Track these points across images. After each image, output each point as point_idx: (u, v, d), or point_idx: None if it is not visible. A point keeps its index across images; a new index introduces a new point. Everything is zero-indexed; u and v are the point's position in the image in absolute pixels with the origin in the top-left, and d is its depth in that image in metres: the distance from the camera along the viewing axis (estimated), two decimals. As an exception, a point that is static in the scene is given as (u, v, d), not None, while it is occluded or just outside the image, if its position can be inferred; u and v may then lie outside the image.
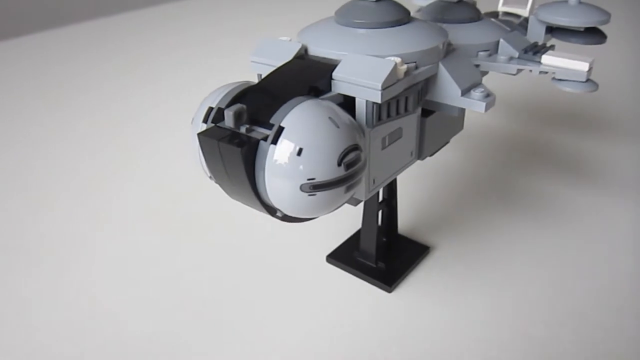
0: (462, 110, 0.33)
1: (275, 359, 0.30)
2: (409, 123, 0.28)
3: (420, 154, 0.30)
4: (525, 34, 0.37)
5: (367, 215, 0.34)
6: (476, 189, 0.45)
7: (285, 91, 0.24)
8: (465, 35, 0.32)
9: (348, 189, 0.23)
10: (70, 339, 0.31)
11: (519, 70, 0.32)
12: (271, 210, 0.24)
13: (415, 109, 0.26)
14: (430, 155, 0.33)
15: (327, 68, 0.25)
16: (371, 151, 0.26)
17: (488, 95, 0.27)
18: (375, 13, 0.27)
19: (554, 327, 0.31)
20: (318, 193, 0.22)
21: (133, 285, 0.35)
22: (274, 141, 0.22)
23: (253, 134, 0.22)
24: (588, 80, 0.30)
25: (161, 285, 0.35)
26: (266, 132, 0.22)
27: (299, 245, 0.38)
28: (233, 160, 0.22)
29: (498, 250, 0.37)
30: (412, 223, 0.40)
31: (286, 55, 0.27)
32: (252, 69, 0.28)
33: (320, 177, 0.22)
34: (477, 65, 0.31)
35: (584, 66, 0.29)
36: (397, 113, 0.25)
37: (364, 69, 0.24)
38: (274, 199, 0.23)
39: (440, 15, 0.33)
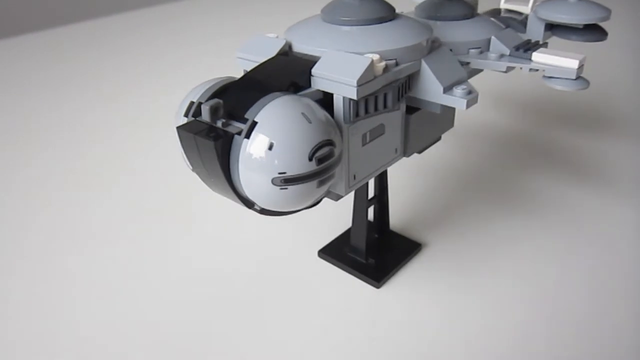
0: (452, 108, 0.33)
1: (261, 350, 0.30)
2: (392, 120, 0.28)
3: (406, 151, 0.30)
4: (525, 31, 0.36)
5: (357, 212, 0.35)
6: (472, 187, 0.44)
7: (263, 87, 0.24)
8: (456, 32, 0.32)
9: (321, 184, 0.23)
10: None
11: (510, 68, 0.31)
12: (248, 203, 0.25)
13: (395, 105, 0.26)
14: (419, 152, 0.33)
15: (307, 64, 0.25)
16: (350, 147, 0.26)
17: (470, 92, 0.27)
18: (358, 10, 0.27)
19: (544, 327, 0.31)
20: (290, 187, 0.23)
21: (124, 281, 0.36)
22: (247, 135, 0.22)
23: (229, 129, 0.23)
24: (579, 77, 0.30)
25: (151, 283, 0.36)
26: (241, 126, 0.23)
27: (292, 240, 0.39)
28: (208, 153, 0.23)
29: (491, 249, 0.37)
30: (406, 220, 0.40)
31: (270, 51, 0.27)
32: (239, 65, 0.29)
33: (291, 172, 0.22)
34: (468, 63, 0.31)
35: (573, 63, 0.29)
36: (376, 109, 0.26)
37: (342, 65, 0.24)
38: (248, 192, 0.23)
39: (433, 13, 0.33)
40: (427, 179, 0.46)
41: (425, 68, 0.27)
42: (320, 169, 0.23)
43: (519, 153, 0.50)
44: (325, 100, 0.25)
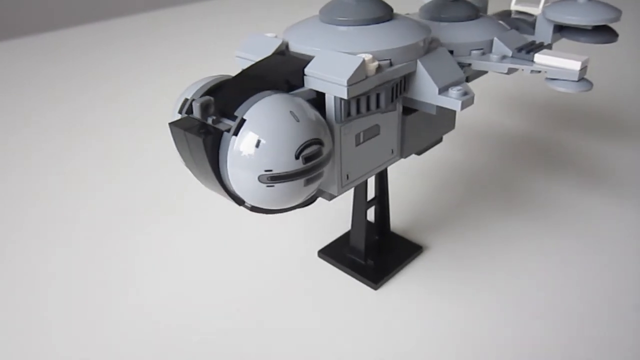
0: (453, 110, 0.33)
1: (257, 349, 0.30)
2: (388, 120, 0.28)
3: (403, 152, 0.30)
4: (533, 33, 0.36)
5: (356, 213, 0.35)
6: (476, 190, 0.44)
7: (255, 85, 0.24)
8: (459, 33, 0.32)
9: (308, 182, 0.23)
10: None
11: (512, 70, 0.31)
12: (238, 200, 0.25)
13: (388, 106, 0.26)
14: (418, 154, 0.33)
15: (300, 64, 0.25)
16: (343, 147, 0.26)
17: (466, 93, 0.26)
18: (355, 11, 0.27)
19: (546, 332, 0.30)
20: (276, 184, 0.23)
21: (123, 280, 0.37)
22: (236, 132, 0.22)
23: (220, 126, 0.23)
24: (582, 79, 0.29)
25: (148, 283, 0.36)
26: (232, 123, 0.23)
27: (294, 239, 0.39)
28: (197, 149, 0.23)
29: (493, 253, 0.36)
30: (407, 222, 0.40)
31: (267, 50, 0.27)
32: (237, 64, 0.29)
33: (277, 169, 0.22)
34: (469, 64, 0.31)
35: (575, 65, 0.29)
36: (368, 109, 0.26)
37: (334, 65, 0.24)
38: (236, 189, 0.24)
39: (436, 14, 0.33)
40: (431, 181, 0.45)
41: (421, 69, 0.27)
42: (307, 168, 0.23)
43: (522, 155, 0.49)
44: (319, 100, 0.26)
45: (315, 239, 0.39)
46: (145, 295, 0.35)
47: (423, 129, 0.31)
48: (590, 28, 0.34)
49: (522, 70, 0.30)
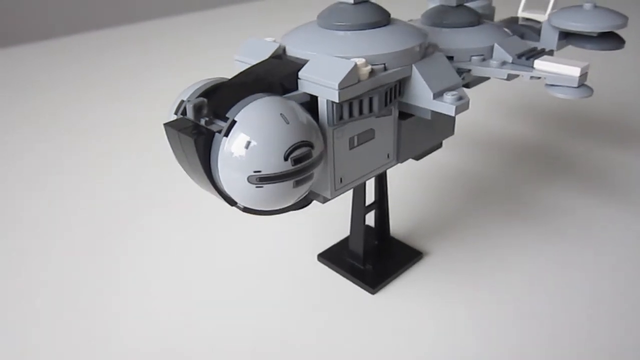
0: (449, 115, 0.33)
1: (250, 349, 0.31)
2: (384, 125, 0.28)
3: (399, 157, 0.30)
4: (539, 40, 0.36)
5: (354, 217, 0.35)
6: (478, 196, 0.44)
7: (249, 88, 0.25)
8: (459, 39, 0.32)
9: (297, 184, 0.24)
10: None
11: (512, 76, 0.31)
12: (230, 201, 0.25)
13: (381, 110, 0.26)
14: (417, 159, 0.33)
15: (295, 67, 0.26)
16: (335, 150, 0.26)
17: (460, 98, 0.26)
18: (351, 15, 0.27)
19: (545, 343, 0.30)
20: (265, 185, 0.23)
21: (126, 282, 0.38)
22: (226, 133, 0.23)
23: (212, 127, 0.24)
24: (582, 85, 0.29)
25: (149, 284, 0.37)
26: (224, 125, 0.23)
27: (295, 242, 0.39)
28: (190, 150, 0.23)
29: (494, 260, 0.36)
30: (408, 227, 0.40)
31: (265, 54, 0.28)
32: (236, 68, 0.29)
33: (266, 170, 0.23)
34: (469, 70, 0.31)
35: (575, 71, 0.28)
36: (361, 113, 0.26)
37: (326, 69, 0.25)
38: (227, 189, 0.24)
39: (438, 20, 0.33)
40: (432, 186, 0.45)
41: (416, 73, 0.27)
42: (296, 170, 0.23)
43: (524, 161, 0.49)
44: (313, 103, 0.26)
45: (316, 242, 0.39)
46: (144, 295, 0.35)
47: (420, 134, 0.31)
48: (596, 35, 0.33)
49: (522, 76, 0.30)
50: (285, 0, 1.21)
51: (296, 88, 0.26)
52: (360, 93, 0.25)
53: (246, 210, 0.26)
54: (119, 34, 1.04)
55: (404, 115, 0.29)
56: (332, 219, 0.41)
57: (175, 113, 0.26)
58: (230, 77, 0.26)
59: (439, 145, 0.33)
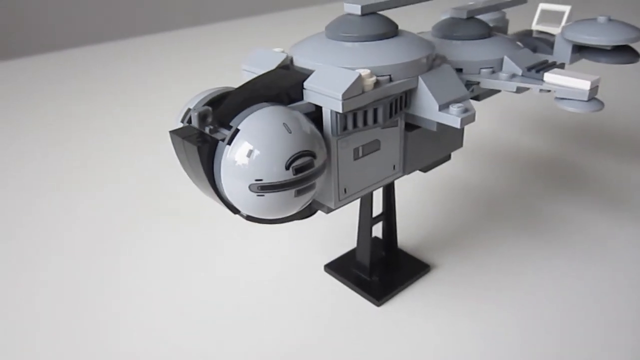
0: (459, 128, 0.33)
1: (254, 358, 0.31)
2: (389, 136, 0.28)
3: (405, 169, 0.30)
4: (552, 53, 0.35)
5: (361, 228, 0.34)
6: (488, 210, 0.43)
7: (254, 97, 0.25)
8: (469, 51, 0.32)
9: (299, 194, 0.24)
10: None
11: (521, 89, 0.30)
12: (233, 209, 0.26)
13: (385, 121, 0.26)
14: (424, 170, 0.32)
15: (300, 78, 0.26)
16: (340, 160, 0.26)
17: (466, 110, 0.26)
18: (358, 27, 0.27)
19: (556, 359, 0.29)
20: (266, 194, 0.23)
21: (128, 289, 0.38)
22: (229, 142, 0.23)
23: (216, 135, 0.24)
24: (592, 99, 0.28)
25: (153, 289, 0.37)
26: (228, 133, 0.24)
27: (302, 252, 0.39)
28: (193, 157, 0.24)
29: (502, 275, 0.36)
30: (416, 239, 0.39)
31: (272, 64, 0.28)
32: (243, 77, 0.30)
33: (267, 179, 0.23)
34: (478, 83, 0.31)
35: (585, 85, 0.28)
36: (365, 124, 0.26)
37: (331, 79, 0.25)
38: (230, 197, 0.24)
39: (448, 32, 0.33)
40: (442, 199, 0.45)
41: (422, 85, 0.27)
42: (297, 179, 0.23)
43: (537, 175, 0.48)
44: (318, 113, 0.26)
45: (324, 253, 0.39)
46: (149, 302, 0.35)
47: (427, 146, 0.30)
48: (610, 48, 0.33)
49: (532, 89, 0.30)
50: (294, 13, 1.22)
51: (302, 98, 0.26)
52: (364, 104, 0.25)
53: (249, 218, 0.26)
54: (133, 45, 1.06)
55: (410, 126, 0.29)
56: (340, 230, 0.41)
57: (182, 121, 0.26)
58: (236, 86, 0.27)
59: (448, 158, 0.33)
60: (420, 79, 0.27)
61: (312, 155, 0.24)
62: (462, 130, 0.32)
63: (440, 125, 0.28)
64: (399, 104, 0.27)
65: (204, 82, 0.76)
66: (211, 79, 0.79)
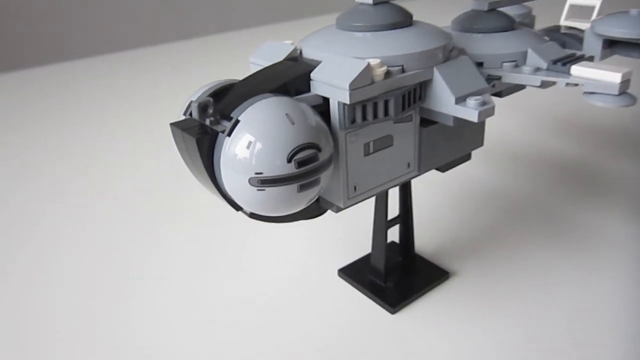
0: (481, 124, 0.31)
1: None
2: (403, 131, 0.27)
3: (420, 167, 0.28)
4: (581, 49, 0.33)
5: (376, 231, 0.33)
6: (514, 215, 0.41)
7: (257, 88, 0.24)
8: (490, 44, 0.30)
9: (302, 189, 0.22)
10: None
11: (546, 83, 0.29)
12: (236, 206, 0.24)
13: (397, 114, 0.25)
14: (442, 170, 0.31)
15: (307, 69, 0.25)
16: (349, 156, 0.25)
17: (485, 103, 0.24)
18: (370, 16, 0.26)
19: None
20: (267, 188, 0.22)
21: (142, 291, 0.37)
22: (229, 133, 0.22)
23: (217, 127, 0.23)
24: (623, 93, 0.26)
25: (165, 293, 0.36)
26: (228, 125, 0.23)
27: (317, 256, 0.38)
28: (192, 149, 0.23)
29: (526, 287, 0.33)
30: (436, 244, 0.37)
31: (280, 56, 0.27)
32: (250, 70, 0.29)
33: (267, 172, 0.21)
34: (499, 77, 0.29)
35: (615, 77, 0.26)
36: (376, 117, 0.24)
37: (338, 69, 0.23)
38: (230, 192, 0.23)
39: (468, 25, 0.31)
40: (464, 202, 0.43)
41: (438, 77, 0.25)
42: (299, 173, 0.22)
43: (567, 180, 0.46)
44: (326, 106, 0.25)
45: (340, 257, 0.37)
46: (160, 305, 0.35)
47: (444, 143, 0.29)
48: (643, 42, 0.31)
49: (558, 83, 0.28)
50: (295, 24, 1.22)
51: (309, 90, 0.25)
52: (374, 95, 0.23)
53: (253, 216, 0.25)
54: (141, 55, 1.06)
55: (426, 122, 0.28)
56: (356, 234, 0.39)
57: (184, 114, 0.25)
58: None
59: (468, 157, 0.31)
60: (435, 70, 0.25)
61: (317, 148, 0.22)
62: (482, 127, 0.31)
63: (457, 120, 0.26)
64: (413, 97, 0.25)
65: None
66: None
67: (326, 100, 0.24)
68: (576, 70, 0.27)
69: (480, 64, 0.29)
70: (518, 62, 0.29)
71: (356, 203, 0.27)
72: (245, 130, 0.22)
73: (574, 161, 0.49)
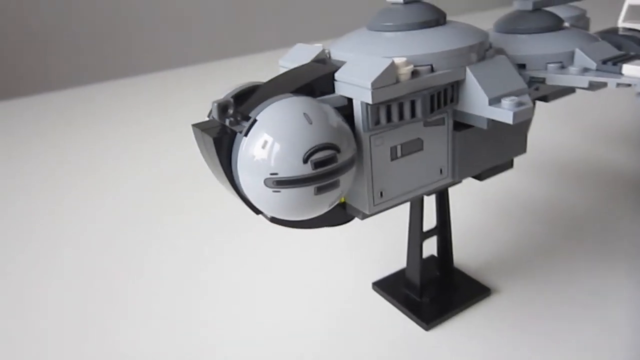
0: (522, 129, 0.29)
1: (279, 374, 0.28)
2: (434, 135, 0.25)
3: (455, 174, 0.27)
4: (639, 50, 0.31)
5: (411, 244, 0.31)
6: (562, 231, 0.38)
7: (280, 89, 0.23)
8: (534, 45, 0.28)
9: (319, 191, 0.21)
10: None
11: (594, 85, 0.26)
12: (255, 209, 0.24)
13: (425, 116, 0.23)
14: (480, 179, 0.29)
15: (332, 69, 0.24)
16: (374, 159, 0.24)
17: (521, 104, 0.23)
18: (401, 15, 0.25)
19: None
20: (282, 190, 0.21)
21: (168, 299, 0.37)
22: (247, 133, 0.21)
23: (236, 127, 0.22)
24: (683, 95, 0.24)
25: (197, 303, 0.36)
26: (247, 125, 0.22)
27: (353, 268, 0.36)
28: (211, 150, 0.22)
29: (575, 309, 0.30)
30: (478, 259, 0.35)
31: (307, 59, 0.26)
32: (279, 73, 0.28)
33: (283, 173, 0.21)
34: (543, 80, 0.27)
35: (673, 77, 0.23)
36: (401, 119, 0.23)
37: (362, 69, 0.22)
38: (247, 193, 0.22)
39: (511, 26, 0.30)
40: (507, 214, 0.40)
41: (470, 77, 0.24)
42: (316, 174, 0.21)
43: (621, 193, 0.42)
44: (351, 108, 0.24)
45: (376, 269, 0.36)
46: (186, 313, 0.34)
47: (481, 148, 0.27)
48: None
49: (608, 84, 0.26)
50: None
51: (333, 91, 0.24)
52: (399, 95, 0.22)
53: (273, 220, 0.24)
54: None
55: (461, 125, 0.26)
56: (397, 245, 0.38)
57: (208, 116, 0.25)
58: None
59: (509, 165, 0.29)
60: (468, 70, 0.24)
61: (336, 149, 0.21)
62: (524, 133, 0.29)
63: (492, 123, 0.24)
64: (444, 98, 0.24)
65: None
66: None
67: (351, 102, 0.24)
68: (628, 69, 0.25)
69: (522, 66, 0.27)
70: (564, 63, 0.27)
71: (383, 210, 0.25)
72: (261, 130, 0.21)
73: (633, 173, 0.45)
